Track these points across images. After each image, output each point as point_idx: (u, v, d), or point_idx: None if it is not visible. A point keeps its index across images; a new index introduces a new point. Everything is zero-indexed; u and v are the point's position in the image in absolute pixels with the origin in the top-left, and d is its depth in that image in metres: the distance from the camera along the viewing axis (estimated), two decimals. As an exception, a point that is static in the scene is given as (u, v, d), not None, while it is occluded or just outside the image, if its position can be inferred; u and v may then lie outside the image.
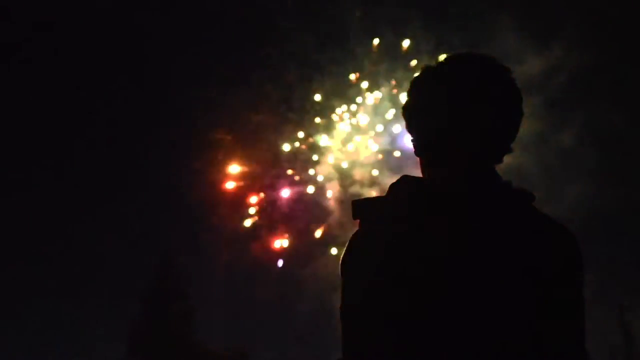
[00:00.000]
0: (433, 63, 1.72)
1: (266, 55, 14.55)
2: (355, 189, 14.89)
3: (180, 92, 15.19)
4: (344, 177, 14.93)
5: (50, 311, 15.76)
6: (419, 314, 1.54)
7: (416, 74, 1.73)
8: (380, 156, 14.94)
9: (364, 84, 14.73)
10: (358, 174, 14.90)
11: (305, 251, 14.86)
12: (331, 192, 14.90)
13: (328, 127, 14.95)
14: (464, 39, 14.10)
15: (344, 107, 14.79)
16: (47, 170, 15.80)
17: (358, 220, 1.71)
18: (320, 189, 14.88)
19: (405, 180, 1.70)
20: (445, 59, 1.70)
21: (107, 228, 15.87)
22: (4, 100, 14.99)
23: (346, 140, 14.92)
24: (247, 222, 15.25)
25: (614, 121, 13.80)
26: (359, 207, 1.70)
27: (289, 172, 15.00)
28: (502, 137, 1.65)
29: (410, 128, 1.71)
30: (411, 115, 1.71)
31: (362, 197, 1.75)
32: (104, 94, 15.16)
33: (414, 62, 14.44)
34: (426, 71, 1.70)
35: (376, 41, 14.58)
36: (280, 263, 15.07)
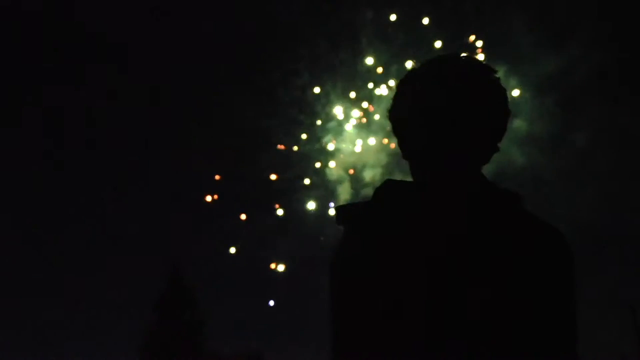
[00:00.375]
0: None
1: (275, 56, 14.52)
2: (366, 191, 14.85)
3: (192, 94, 15.17)
4: (354, 179, 14.88)
5: (63, 320, 15.82)
6: (408, 315, 1.55)
7: (401, 78, 1.74)
8: (392, 156, 14.89)
9: (378, 69, 14.54)
10: (368, 175, 14.86)
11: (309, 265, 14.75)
12: (332, 204, 14.73)
13: (338, 128, 14.92)
14: (478, 38, 14.04)
15: (355, 105, 14.74)
16: (60, 177, 15.86)
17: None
18: (330, 193, 14.83)
19: (389, 184, 1.70)
20: (429, 61, 1.71)
21: (120, 235, 15.92)
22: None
23: (356, 141, 14.87)
24: (232, 249, 15.02)
25: (631, 121, 13.73)
26: (343, 212, 1.71)
27: (273, 176, 14.81)
28: (489, 138, 1.66)
29: (396, 132, 1.72)
30: (396, 119, 1.72)
31: (346, 203, 1.76)
32: (107, 95, 15.18)
33: (438, 43, 14.21)
34: (410, 74, 1.71)
35: (393, 17, 14.38)
36: (271, 303, 14.94)
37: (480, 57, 13.52)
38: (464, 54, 1.70)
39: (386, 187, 1.70)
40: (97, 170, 16.07)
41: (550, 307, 1.57)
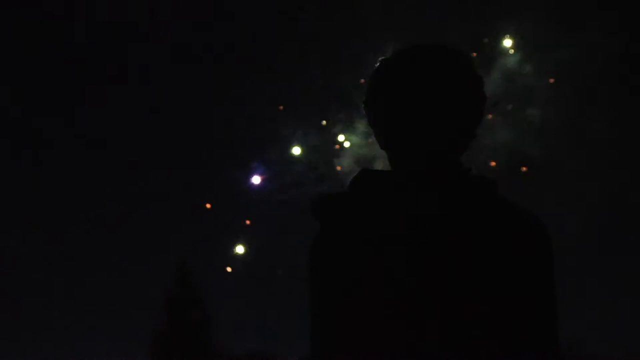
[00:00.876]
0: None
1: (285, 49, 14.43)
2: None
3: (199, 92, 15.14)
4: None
5: (69, 320, 15.91)
6: (385, 308, 1.56)
7: (376, 67, 1.77)
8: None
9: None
10: (379, 167, 14.70)
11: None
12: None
13: (349, 120, 14.84)
14: (490, 26, 13.91)
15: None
16: (66, 175, 15.91)
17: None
18: (341, 185, 14.70)
19: (364, 174, 1.72)
20: (404, 49, 1.74)
21: (126, 234, 15.97)
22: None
23: (368, 132, 14.76)
24: (239, 248, 14.93)
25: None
26: (318, 204, 1.72)
27: (257, 179, 14.69)
28: (465, 125, 1.69)
29: (372, 122, 1.75)
30: (371, 110, 1.74)
31: (322, 194, 1.77)
32: (114, 92, 15.19)
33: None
34: (382, 65, 1.74)
35: None
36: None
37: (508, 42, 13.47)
38: (439, 42, 1.73)
39: (362, 177, 1.72)
40: (104, 168, 16.10)
41: (529, 296, 1.58)
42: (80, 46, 14.89)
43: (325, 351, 1.63)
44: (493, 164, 13.57)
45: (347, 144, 14.97)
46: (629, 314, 13.16)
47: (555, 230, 1.72)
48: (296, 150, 14.93)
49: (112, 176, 16.13)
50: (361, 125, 14.83)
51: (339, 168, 14.95)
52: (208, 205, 14.93)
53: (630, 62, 13.48)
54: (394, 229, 1.61)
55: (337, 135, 14.93)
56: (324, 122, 14.89)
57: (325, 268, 1.65)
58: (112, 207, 16.12)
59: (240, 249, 14.87)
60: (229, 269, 14.82)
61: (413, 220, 1.60)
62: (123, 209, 16.06)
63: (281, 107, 14.75)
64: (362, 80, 14.23)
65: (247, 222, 14.75)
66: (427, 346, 1.54)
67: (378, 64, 1.76)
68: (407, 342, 1.55)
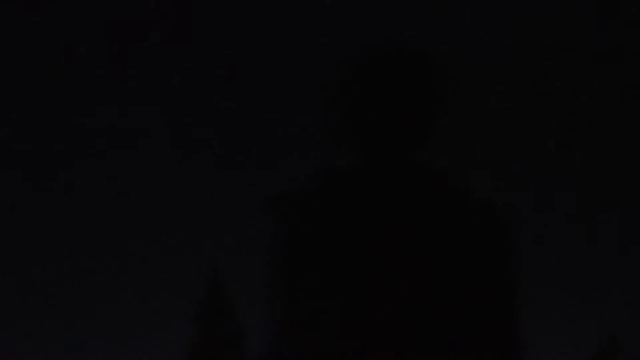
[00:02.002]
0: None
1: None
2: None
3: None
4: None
5: (103, 332, 15.97)
6: (343, 301, 1.58)
7: (336, 67, 1.78)
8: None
9: None
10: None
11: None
12: None
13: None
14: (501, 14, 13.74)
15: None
16: (97, 184, 16.02)
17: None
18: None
19: (325, 172, 1.73)
20: (363, 51, 1.75)
21: (157, 245, 16.03)
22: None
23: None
24: None
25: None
26: (273, 201, 1.73)
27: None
28: (423, 124, 1.70)
29: (333, 125, 1.75)
30: (330, 111, 1.75)
31: (282, 193, 1.78)
32: (150, 100, 15.31)
33: None
34: (346, 67, 1.74)
35: None
36: None
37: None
38: (406, 41, 1.74)
39: (323, 175, 1.73)
40: (133, 177, 16.19)
41: (491, 292, 1.59)
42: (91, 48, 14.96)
43: (296, 347, 1.64)
44: None
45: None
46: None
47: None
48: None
49: (145, 184, 16.23)
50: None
51: None
52: None
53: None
54: (359, 227, 1.64)
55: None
56: None
57: (294, 268, 1.67)
58: (146, 218, 16.22)
59: None
60: None
61: (376, 218, 1.64)
62: (157, 219, 16.15)
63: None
64: None
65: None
66: (390, 344, 1.56)
67: (341, 67, 1.78)
68: (371, 340, 1.57)
